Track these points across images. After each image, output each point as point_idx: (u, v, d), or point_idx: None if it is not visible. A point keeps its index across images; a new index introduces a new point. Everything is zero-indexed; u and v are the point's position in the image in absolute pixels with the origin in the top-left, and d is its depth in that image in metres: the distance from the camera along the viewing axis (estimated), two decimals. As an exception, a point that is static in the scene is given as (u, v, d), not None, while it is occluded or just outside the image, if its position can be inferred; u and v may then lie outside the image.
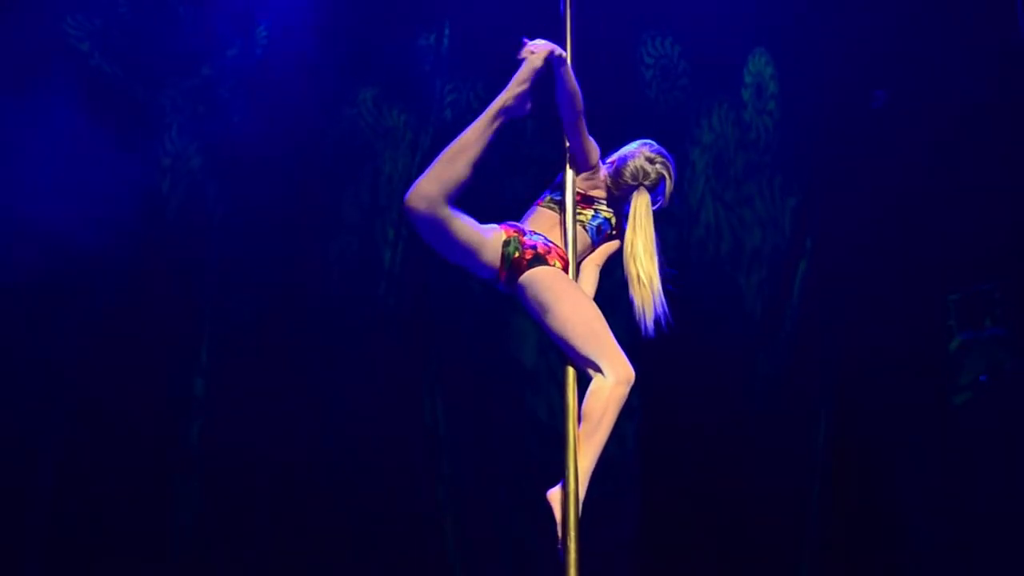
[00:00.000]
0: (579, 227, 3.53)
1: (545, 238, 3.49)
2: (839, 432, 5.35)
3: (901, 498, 5.27)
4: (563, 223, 3.48)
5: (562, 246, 3.47)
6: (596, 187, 3.61)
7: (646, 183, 3.54)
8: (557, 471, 3.13)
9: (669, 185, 3.56)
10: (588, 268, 3.61)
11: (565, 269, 3.45)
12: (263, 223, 5.46)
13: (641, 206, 3.53)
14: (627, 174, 3.54)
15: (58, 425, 5.18)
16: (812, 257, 5.57)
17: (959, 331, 5.26)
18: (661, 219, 4.06)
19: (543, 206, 3.58)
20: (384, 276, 5.54)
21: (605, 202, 3.60)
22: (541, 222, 3.54)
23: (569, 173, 3.50)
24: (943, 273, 5.38)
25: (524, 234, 3.46)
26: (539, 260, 3.41)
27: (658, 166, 3.55)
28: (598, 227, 3.60)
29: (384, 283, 5.53)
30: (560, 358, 3.31)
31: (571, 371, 3.27)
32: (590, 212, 3.59)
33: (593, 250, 3.63)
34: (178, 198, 5.50)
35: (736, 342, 5.47)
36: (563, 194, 3.50)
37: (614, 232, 3.63)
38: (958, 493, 5.08)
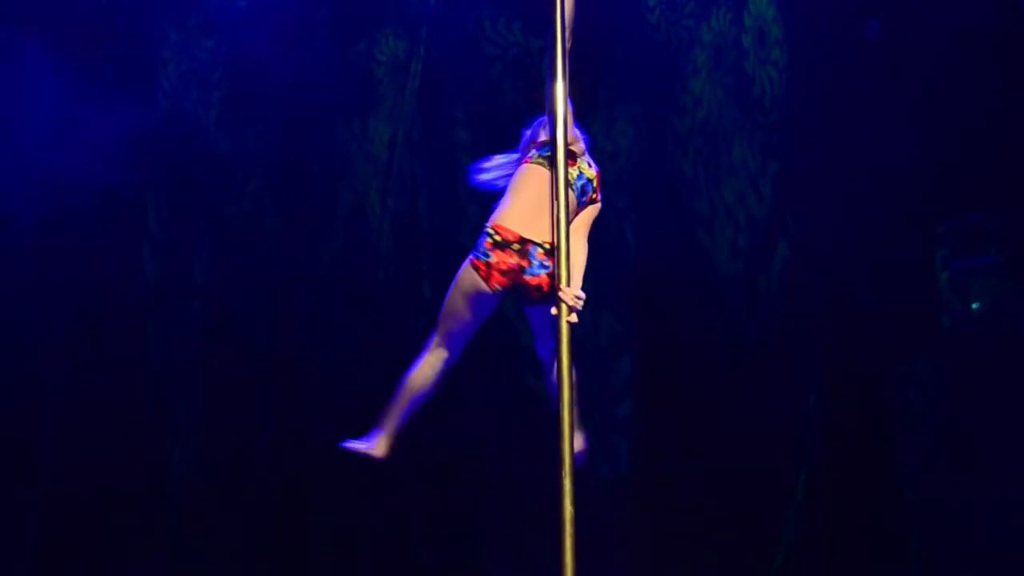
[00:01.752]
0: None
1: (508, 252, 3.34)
2: (833, 367, 5.34)
3: (897, 430, 5.28)
4: (554, 182, 3.25)
5: (548, 215, 3.29)
6: (573, 141, 3.40)
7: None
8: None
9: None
10: (576, 239, 3.40)
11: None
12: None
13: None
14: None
15: (56, 363, 5.30)
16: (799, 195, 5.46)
17: (949, 262, 5.16)
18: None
19: (533, 163, 3.38)
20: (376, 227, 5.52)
21: (585, 159, 3.43)
22: (529, 187, 3.32)
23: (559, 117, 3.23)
24: (931, 206, 5.32)
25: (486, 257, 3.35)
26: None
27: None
28: (582, 188, 3.42)
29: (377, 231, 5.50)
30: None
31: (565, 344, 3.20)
32: (575, 171, 3.40)
33: (577, 214, 3.42)
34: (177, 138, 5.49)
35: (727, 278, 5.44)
36: (552, 148, 3.25)
37: (596, 195, 3.47)
38: (955, 422, 5.08)
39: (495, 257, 3.32)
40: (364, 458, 3.57)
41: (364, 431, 5.17)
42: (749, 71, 5.48)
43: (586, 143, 3.52)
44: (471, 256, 3.36)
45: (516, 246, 3.34)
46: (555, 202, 3.26)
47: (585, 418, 3.46)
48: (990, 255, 5.04)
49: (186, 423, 5.37)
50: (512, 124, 4.81)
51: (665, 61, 5.49)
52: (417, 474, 5.32)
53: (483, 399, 5.32)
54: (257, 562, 5.28)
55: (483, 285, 3.34)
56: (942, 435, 5.12)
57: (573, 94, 3.30)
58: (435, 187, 5.53)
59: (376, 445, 3.57)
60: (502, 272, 3.34)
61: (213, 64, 5.54)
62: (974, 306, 5.02)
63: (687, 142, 5.50)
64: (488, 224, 3.37)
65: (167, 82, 5.53)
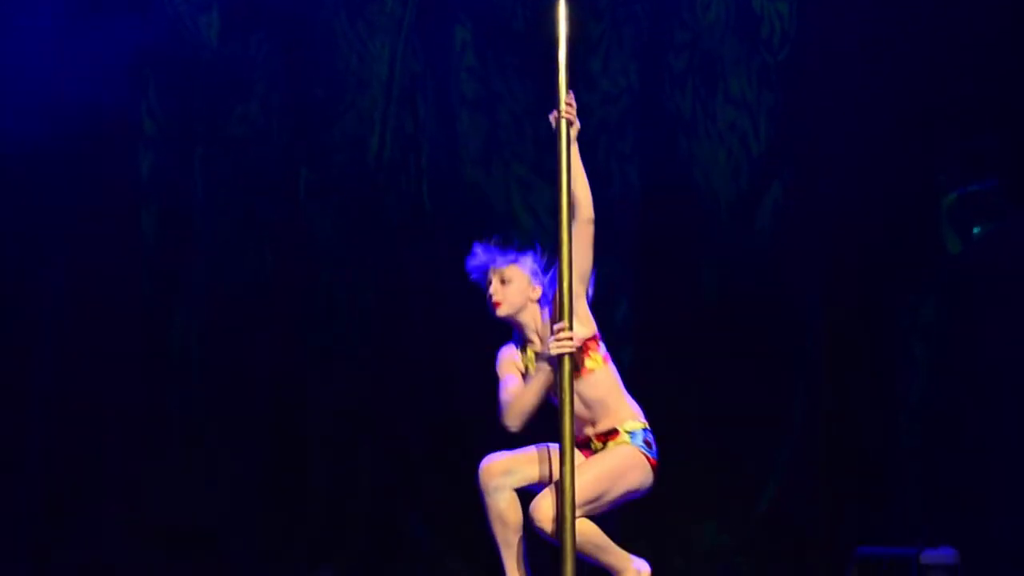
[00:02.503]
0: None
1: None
2: (832, 304, 5.33)
3: (897, 367, 5.30)
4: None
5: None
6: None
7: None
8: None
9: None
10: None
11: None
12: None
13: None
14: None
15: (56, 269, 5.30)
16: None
17: (952, 185, 5.13)
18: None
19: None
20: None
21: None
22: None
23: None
24: (934, 129, 5.26)
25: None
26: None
27: None
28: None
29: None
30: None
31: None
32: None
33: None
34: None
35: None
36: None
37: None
38: (958, 359, 5.07)
39: None
40: None
41: (364, 337, 5.43)
42: (757, 9, 5.41)
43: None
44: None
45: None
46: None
47: None
48: (992, 179, 5.00)
49: (188, 325, 5.40)
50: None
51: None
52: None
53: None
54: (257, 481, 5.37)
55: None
56: (943, 372, 5.14)
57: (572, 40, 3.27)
58: (439, 91, 5.54)
59: None
60: None
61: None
62: (975, 231, 5.01)
63: (684, 80, 5.46)
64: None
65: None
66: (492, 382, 5.27)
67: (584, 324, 3.39)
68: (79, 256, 5.32)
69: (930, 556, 4.71)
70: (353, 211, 5.52)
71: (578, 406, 3.34)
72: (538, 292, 3.52)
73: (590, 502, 3.30)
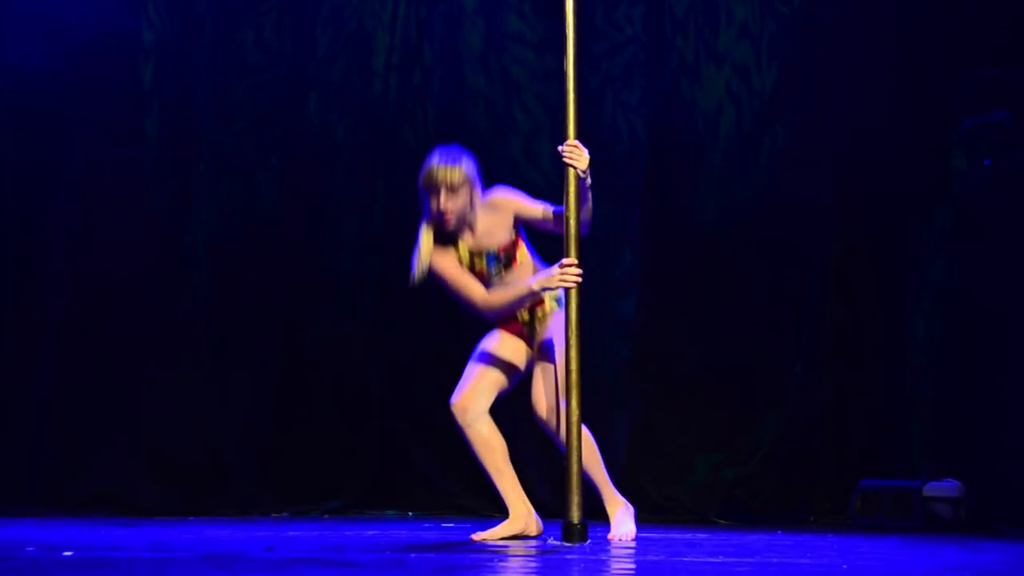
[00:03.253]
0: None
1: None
2: (839, 251, 5.30)
3: (906, 312, 5.27)
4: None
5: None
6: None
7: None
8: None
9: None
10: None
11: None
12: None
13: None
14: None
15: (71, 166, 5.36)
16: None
17: (963, 117, 5.05)
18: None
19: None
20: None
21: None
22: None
23: None
24: (945, 62, 5.18)
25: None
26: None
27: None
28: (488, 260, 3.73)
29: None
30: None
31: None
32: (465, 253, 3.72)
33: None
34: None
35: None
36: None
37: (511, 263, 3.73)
38: (967, 303, 5.00)
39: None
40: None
41: (372, 263, 5.45)
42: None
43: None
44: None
45: None
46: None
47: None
48: (1004, 111, 4.93)
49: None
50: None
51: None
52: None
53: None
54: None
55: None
56: (951, 318, 5.08)
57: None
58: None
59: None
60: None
61: None
62: (986, 162, 4.95)
63: (686, 23, 5.37)
64: None
65: None
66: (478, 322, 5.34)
67: (508, 231, 3.70)
68: (88, 183, 5.35)
69: (934, 488, 4.73)
70: (363, 133, 5.49)
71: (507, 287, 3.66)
72: (478, 195, 3.68)
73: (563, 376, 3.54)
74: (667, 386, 5.29)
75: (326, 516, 5.26)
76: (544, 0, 5.37)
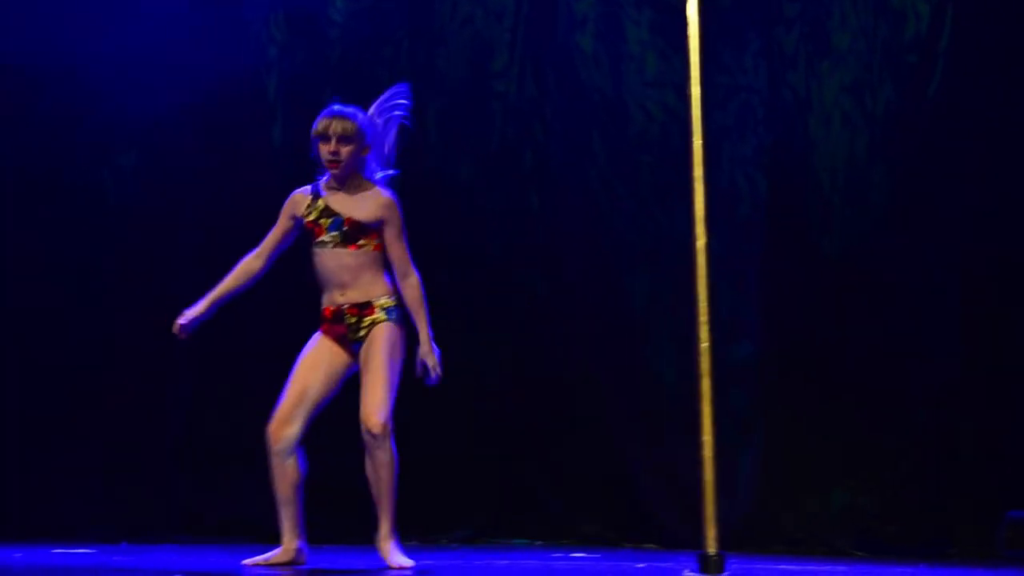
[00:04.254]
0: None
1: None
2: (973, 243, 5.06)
3: None
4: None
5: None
6: None
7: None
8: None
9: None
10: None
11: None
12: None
13: None
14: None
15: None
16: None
17: None
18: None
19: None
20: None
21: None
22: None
23: None
24: None
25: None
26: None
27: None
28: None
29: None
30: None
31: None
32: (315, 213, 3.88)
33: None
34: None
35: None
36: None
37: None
38: None
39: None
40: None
41: (478, 295, 5.27)
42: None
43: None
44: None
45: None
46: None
47: None
48: None
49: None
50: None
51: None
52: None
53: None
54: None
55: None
56: None
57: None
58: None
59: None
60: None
61: None
62: None
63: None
64: None
65: None
66: (617, 340, 5.33)
67: (369, 220, 3.81)
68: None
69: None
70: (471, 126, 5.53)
71: (338, 274, 3.79)
72: (367, 150, 3.83)
73: (392, 397, 3.76)
74: (797, 418, 5.14)
75: (454, 544, 5.26)
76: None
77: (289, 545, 3.86)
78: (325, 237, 3.80)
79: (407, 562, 3.81)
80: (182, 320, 3.83)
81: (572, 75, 5.46)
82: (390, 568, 3.77)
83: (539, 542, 5.31)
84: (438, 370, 3.85)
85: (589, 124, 5.46)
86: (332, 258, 3.80)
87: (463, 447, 5.44)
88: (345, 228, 3.79)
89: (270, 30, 5.62)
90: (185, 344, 5.38)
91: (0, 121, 5.65)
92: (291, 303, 5.36)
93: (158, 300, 5.47)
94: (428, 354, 3.83)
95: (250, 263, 3.92)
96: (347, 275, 3.80)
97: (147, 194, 5.65)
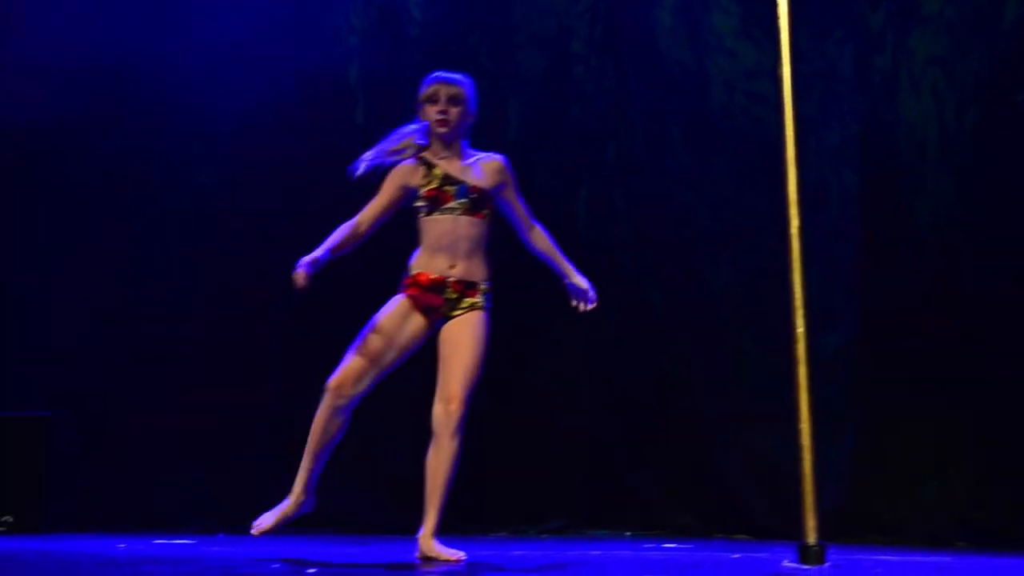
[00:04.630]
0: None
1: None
2: None
3: None
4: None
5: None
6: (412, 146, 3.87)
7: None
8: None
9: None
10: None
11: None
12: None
13: None
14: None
15: None
16: None
17: None
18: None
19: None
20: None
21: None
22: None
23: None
24: None
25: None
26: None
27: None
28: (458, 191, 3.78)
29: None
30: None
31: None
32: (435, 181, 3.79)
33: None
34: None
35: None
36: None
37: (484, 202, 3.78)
38: None
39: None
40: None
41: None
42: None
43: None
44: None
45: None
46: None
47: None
48: None
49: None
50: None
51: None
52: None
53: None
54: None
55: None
56: None
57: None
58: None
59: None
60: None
61: None
62: None
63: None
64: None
65: None
66: (708, 330, 5.28)
67: (488, 186, 3.78)
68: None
69: None
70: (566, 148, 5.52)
71: (456, 244, 3.72)
72: (471, 118, 3.83)
73: (474, 387, 3.69)
74: (894, 405, 5.03)
75: (544, 536, 5.26)
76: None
77: (300, 497, 3.81)
78: (453, 203, 3.72)
79: (459, 554, 3.67)
80: (303, 267, 3.59)
81: (654, 58, 5.44)
82: (442, 560, 3.62)
83: (628, 533, 5.29)
84: (591, 293, 3.82)
85: (670, 110, 5.42)
86: (455, 227, 3.71)
87: (554, 439, 5.44)
88: (473, 195, 3.73)
89: (351, 21, 5.68)
90: (280, 337, 5.52)
91: (95, 120, 5.77)
92: (385, 294, 5.43)
93: (253, 292, 5.58)
94: (579, 279, 3.81)
95: (354, 228, 3.77)
96: (464, 246, 3.71)
97: (237, 189, 5.73)
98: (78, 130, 5.73)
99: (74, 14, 5.64)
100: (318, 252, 3.64)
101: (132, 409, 5.55)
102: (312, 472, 3.79)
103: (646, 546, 4.65)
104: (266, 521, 3.79)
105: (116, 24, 5.69)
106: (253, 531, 3.80)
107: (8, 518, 4.98)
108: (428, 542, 3.65)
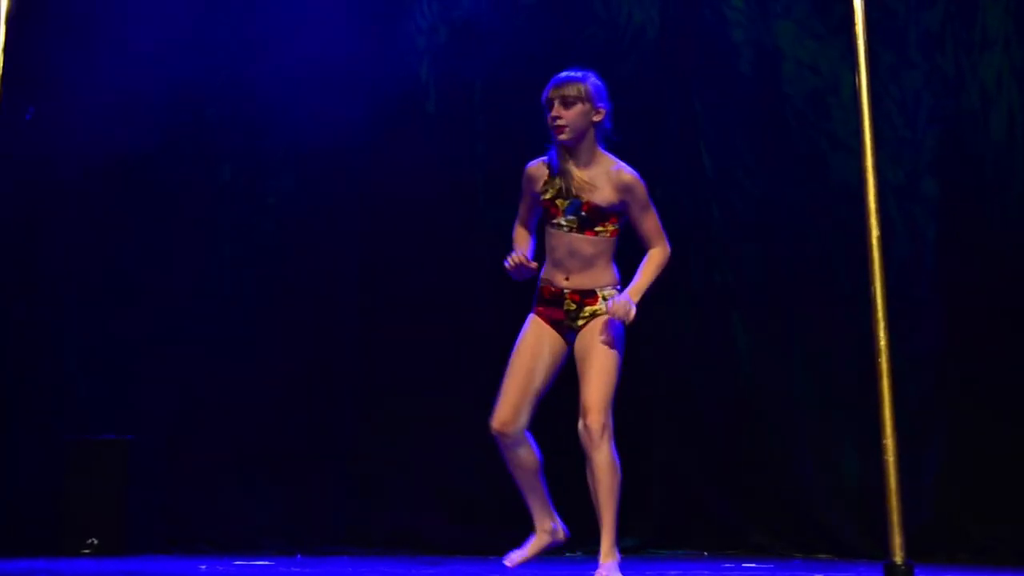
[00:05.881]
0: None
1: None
2: None
3: None
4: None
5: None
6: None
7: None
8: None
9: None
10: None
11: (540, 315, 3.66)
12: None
13: None
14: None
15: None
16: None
17: None
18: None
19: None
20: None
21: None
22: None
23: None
24: None
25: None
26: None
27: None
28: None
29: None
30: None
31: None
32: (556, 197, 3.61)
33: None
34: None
35: None
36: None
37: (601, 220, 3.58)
38: None
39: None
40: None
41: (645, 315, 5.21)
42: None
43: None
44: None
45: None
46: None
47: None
48: None
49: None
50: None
51: None
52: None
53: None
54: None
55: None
56: None
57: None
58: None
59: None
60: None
61: None
62: None
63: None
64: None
65: None
66: (786, 342, 5.19)
67: (608, 203, 3.55)
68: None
69: None
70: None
71: (568, 259, 3.54)
72: (601, 113, 3.53)
73: (613, 396, 3.51)
74: (983, 414, 4.89)
75: (621, 555, 5.19)
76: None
77: (544, 527, 3.73)
78: (561, 220, 3.53)
79: None
80: (526, 261, 3.52)
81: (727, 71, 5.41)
82: None
83: (705, 552, 5.21)
84: (630, 316, 3.48)
85: (743, 122, 5.37)
86: (566, 243, 3.53)
87: (629, 456, 5.37)
88: (583, 213, 3.52)
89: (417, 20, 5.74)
90: (355, 360, 5.56)
91: (179, 145, 5.83)
92: (452, 318, 5.44)
93: (328, 316, 5.62)
94: (628, 299, 3.49)
95: (519, 229, 3.68)
96: (577, 262, 3.54)
97: (310, 217, 5.78)
98: (160, 156, 5.80)
99: (162, 39, 5.71)
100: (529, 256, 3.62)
101: (212, 432, 5.61)
102: (538, 504, 3.74)
103: (725, 565, 4.58)
104: (519, 555, 3.77)
105: (201, 49, 5.77)
106: (506, 562, 3.77)
107: (93, 540, 5.05)
108: (603, 560, 3.55)
